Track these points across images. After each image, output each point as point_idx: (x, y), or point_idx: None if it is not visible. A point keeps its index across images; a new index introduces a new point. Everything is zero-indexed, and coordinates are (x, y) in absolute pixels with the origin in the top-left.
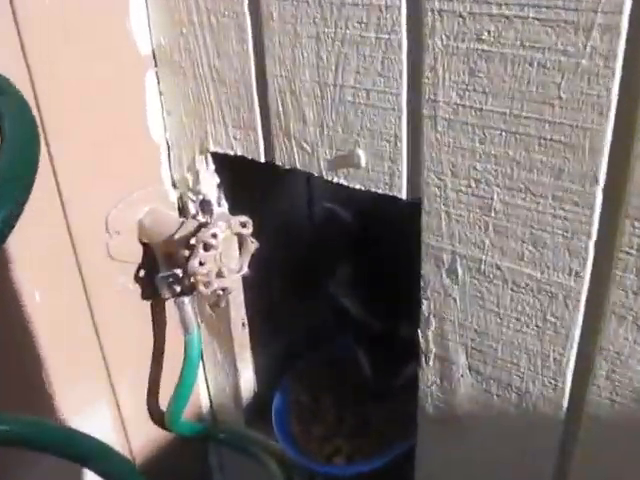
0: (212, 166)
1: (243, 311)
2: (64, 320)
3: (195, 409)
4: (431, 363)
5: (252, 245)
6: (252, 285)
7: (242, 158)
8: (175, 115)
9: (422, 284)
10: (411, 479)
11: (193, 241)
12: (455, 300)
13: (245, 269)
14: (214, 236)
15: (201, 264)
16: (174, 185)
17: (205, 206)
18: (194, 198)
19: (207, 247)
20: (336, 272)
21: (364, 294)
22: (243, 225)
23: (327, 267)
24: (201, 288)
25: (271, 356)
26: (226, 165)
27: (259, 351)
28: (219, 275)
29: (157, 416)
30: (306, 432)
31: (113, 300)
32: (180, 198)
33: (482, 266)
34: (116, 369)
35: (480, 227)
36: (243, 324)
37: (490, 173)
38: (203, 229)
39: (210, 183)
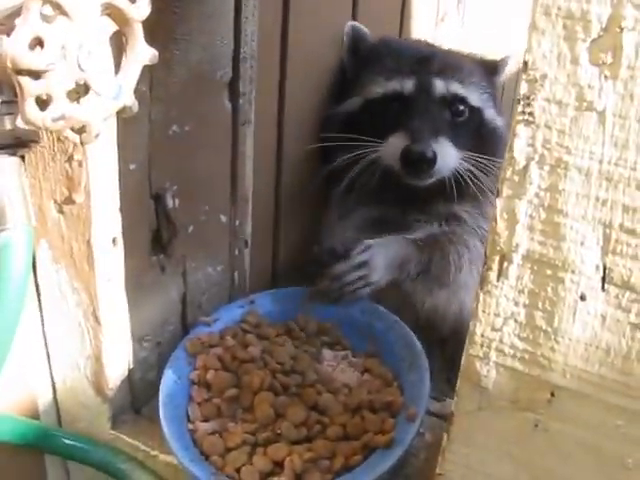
0: None
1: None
2: None
3: (25, 399)
4: None
5: (145, 49)
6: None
7: None
8: None
9: None
10: None
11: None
12: None
13: (128, 93)
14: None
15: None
16: None
17: None
18: None
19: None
20: None
21: None
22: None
23: None
24: (32, 117)
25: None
26: None
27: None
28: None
29: None
30: (218, 433)
31: None
32: None
33: None
34: None
35: None
36: (114, 240)
37: None
38: None
39: None
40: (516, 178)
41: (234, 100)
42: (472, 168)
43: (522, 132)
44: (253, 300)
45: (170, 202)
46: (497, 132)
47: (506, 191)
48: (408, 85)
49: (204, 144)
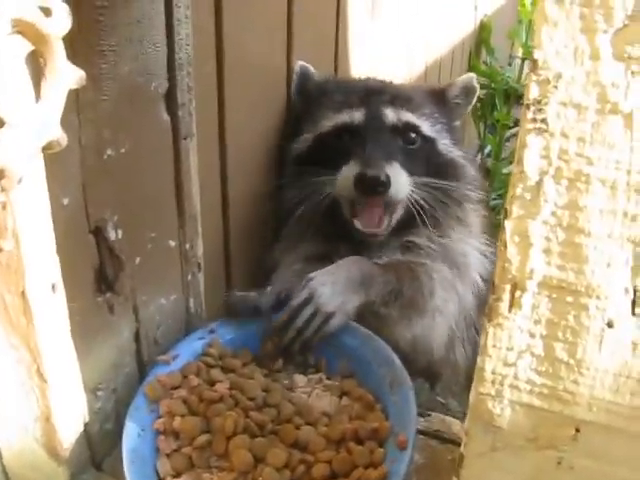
0: None
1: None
2: None
3: None
4: None
5: (68, 70)
6: None
7: None
8: None
9: None
10: None
11: None
12: None
13: (54, 124)
14: None
15: None
16: None
17: None
18: None
19: None
20: None
21: None
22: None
23: None
24: None
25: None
26: None
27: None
28: None
29: None
30: None
31: None
32: None
33: None
34: None
35: None
36: (53, 287)
37: None
38: None
39: None
40: (528, 196)
41: (173, 112)
42: (426, 195)
43: (533, 142)
44: (213, 329)
45: (112, 234)
46: (453, 163)
47: (516, 211)
48: (358, 116)
49: (144, 165)
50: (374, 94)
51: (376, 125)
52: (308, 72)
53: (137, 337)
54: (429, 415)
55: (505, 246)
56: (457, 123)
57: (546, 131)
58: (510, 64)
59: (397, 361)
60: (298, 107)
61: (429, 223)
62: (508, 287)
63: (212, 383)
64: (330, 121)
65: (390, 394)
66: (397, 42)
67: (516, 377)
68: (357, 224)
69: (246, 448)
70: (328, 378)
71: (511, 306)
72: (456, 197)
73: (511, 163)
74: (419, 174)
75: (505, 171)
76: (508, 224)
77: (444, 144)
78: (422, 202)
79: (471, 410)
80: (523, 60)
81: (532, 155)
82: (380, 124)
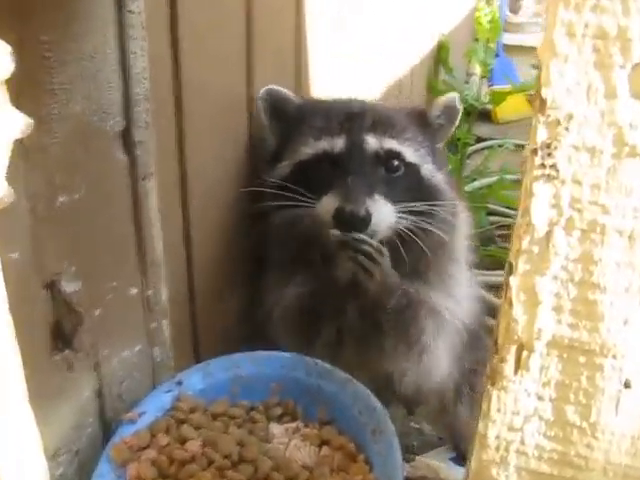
0: None
1: None
2: None
3: None
4: None
5: (13, 118)
6: None
7: None
8: None
9: None
10: None
11: None
12: None
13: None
14: None
15: None
16: None
17: None
18: None
19: None
20: None
21: None
22: None
23: None
24: None
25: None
26: None
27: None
28: None
29: None
30: None
31: None
32: None
33: None
34: None
35: None
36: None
37: None
38: None
39: None
40: (536, 249)
41: (130, 151)
42: (412, 224)
43: (542, 191)
44: (180, 380)
45: (69, 287)
46: (436, 189)
47: (522, 266)
48: (338, 144)
49: (101, 210)
50: (355, 119)
51: (357, 154)
52: (281, 95)
53: (99, 394)
54: (413, 460)
55: (510, 304)
56: (440, 145)
57: (556, 178)
58: (467, 82)
59: (379, 407)
60: (273, 134)
61: (413, 257)
62: (514, 348)
63: (183, 441)
64: (310, 148)
65: (373, 442)
66: (359, 59)
67: (523, 442)
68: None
69: None
70: (306, 426)
71: (517, 368)
72: (441, 222)
73: (474, 181)
74: (402, 201)
75: (467, 189)
76: (514, 280)
77: (427, 170)
78: (407, 230)
79: (473, 478)
80: (481, 78)
81: (540, 204)
82: (362, 153)
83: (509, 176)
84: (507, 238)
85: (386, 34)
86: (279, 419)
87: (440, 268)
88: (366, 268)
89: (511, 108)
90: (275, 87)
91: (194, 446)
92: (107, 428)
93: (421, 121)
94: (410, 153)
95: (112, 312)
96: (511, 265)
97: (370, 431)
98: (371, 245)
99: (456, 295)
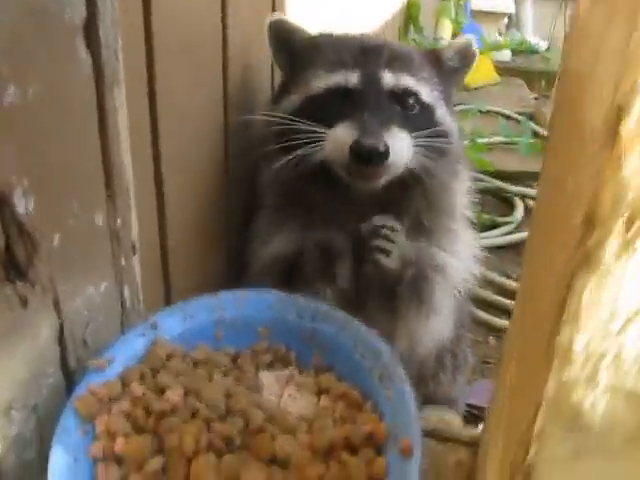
0: None
1: None
2: None
3: None
4: None
5: None
6: None
7: None
8: None
9: None
10: None
11: None
12: None
13: None
14: None
15: None
16: None
17: None
18: None
19: None
20: None
21: None
22: None
23: None
24: None
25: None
26: None
27: None
28: None
29: None
30: None
31: None
32: None
33: None
34: None
35: None
36: None
37: None
38: None
39: None
40: None
41: (94, 52)
42: (424, 162)
43: None
44: (155, 323)
45: (21, 204)
46: (448, 132)
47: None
48: (353, 78)
49: (60, 117)
50: (370, 54)
51: (373, 89)
52: (288, 26)
53: (61, 338)
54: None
55: (619, 161)
56: (453, 90)
57: None
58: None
59: (385, 348)
60: (280, 67)
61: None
62: (619, 222)
63: (161, 390)
64: (321, 82)
65: (381, 389)
66: (329, 17)
67: (619, 354)
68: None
69: (213, 470)
70: (300, 373)
71: (623, 249)
72: (449, 166)
73: None
74: (416, 135)
75: None
76: (625, 131)
77: (441, 113)
78: (421, 170)
79: (548, 404)
80: (453, 36)
81: None
82: (377, 88)
83: (480, 139)
84: (483, 201)
85: None
86: (269, 367)
87: (443, 220)
88: (383, 249)
89: (480, 74)
90: (280, 17)
91: (174, 395)
92: (70, 379)
93: (436, 62)
94: (426, 93)
95: (74, 241)
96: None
97: (377, 376)
98: (385, 227)
99: (460, 252)
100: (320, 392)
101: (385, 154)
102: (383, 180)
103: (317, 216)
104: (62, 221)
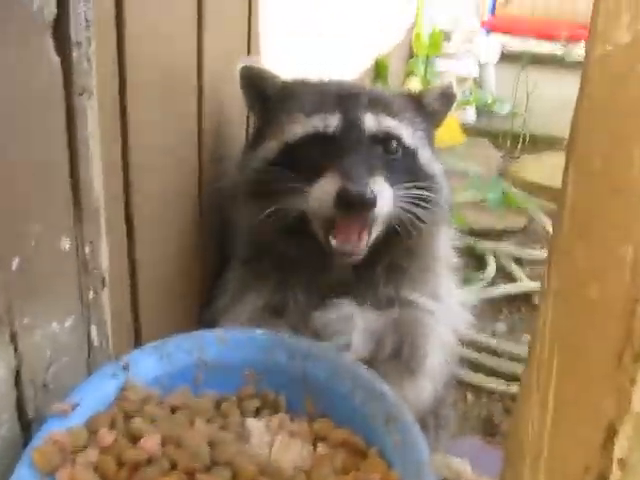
0: None
1: None
2: None
3: None
4: None
5: None
6: None
7: None
8: None
9: None
10: None
11: None
12: None
13: None
14: None
15: None
16: None
17: None
18: None
19: None
20: None
21: None
22: None
23: None
24: None
25: None
26: None
27: None
28: None
29: None
30: None
31: None
32: None
33: None
34: None
35: None
36: None
37: None
38: None
39: None
40: None
41: (64, 53)
42: (407, 210)
43: None
44: (127, 364)
45: None
46: (432, 177)
47: None
48: (333, 121)
49: (22, 122)
50: (350, 97)
51: (354, 133)
52: (259, 72)
53: (17, 380)
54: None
55: None
56: (435, 132)
57: None
58: None
59: (387, 390)
60: (255, 113)
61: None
62: None
63: (135, 438)
64: (300, 127)
65: (387, 434)
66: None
67: None
68: (332, 242)
69: None
70: (292, 420)
71: None
72: (435, 215)
73: None
74: (399, 186)
75: None
76: None
77: (424, 155)
78: (403, 217)
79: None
80: None
81: None
82: (358, 132)
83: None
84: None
85: (327, 55)
86: (256, 413)
87: (428, 265)
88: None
89: (447, 134)
90: (250, 64)
91: (151, 443)
92: (27, 428)
93: (417, 105)
94: (408, 135)
95: (35, 267)
96: None
97: (383, 421)
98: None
99: (444, 298)
100: (316, 440)
101: (373, 200)
102: (363, 246)
103: (289, 275)
104: (22, 243)
